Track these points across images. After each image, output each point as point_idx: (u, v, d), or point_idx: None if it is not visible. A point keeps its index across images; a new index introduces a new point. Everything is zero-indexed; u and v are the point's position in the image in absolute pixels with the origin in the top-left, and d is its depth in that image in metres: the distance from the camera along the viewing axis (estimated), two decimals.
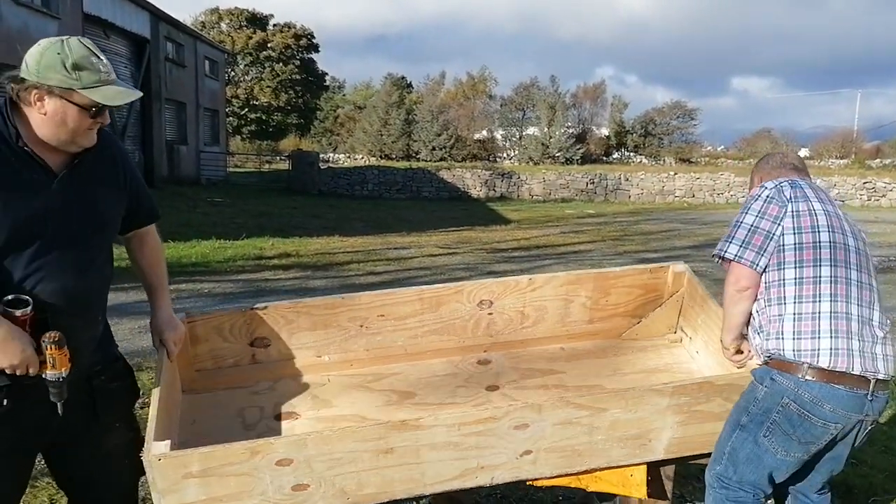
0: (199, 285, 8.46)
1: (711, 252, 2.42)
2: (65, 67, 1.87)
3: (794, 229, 2.33)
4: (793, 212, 2.35)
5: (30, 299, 1.94)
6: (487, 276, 9.52)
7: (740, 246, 2.36)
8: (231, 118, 45.11)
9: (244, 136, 49.70)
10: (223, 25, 49.50)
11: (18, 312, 1.92)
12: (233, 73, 47.29)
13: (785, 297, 2.32)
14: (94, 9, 19.05)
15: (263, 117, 49.43)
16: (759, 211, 2.37)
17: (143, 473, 2.52)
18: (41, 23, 16.40)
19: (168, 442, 2.06)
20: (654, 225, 17.24)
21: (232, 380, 2.75)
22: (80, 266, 2.07)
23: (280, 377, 2.80)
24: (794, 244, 2.32)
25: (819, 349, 2.26)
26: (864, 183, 25.83)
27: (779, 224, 2.34)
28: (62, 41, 1.93)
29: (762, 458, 2.36)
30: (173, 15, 25.57)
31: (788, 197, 2.37)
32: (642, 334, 3.16)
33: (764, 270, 2.37)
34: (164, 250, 2.47)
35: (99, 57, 1.94)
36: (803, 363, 2.27)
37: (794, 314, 2.30)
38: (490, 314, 2.94)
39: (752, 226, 2.36)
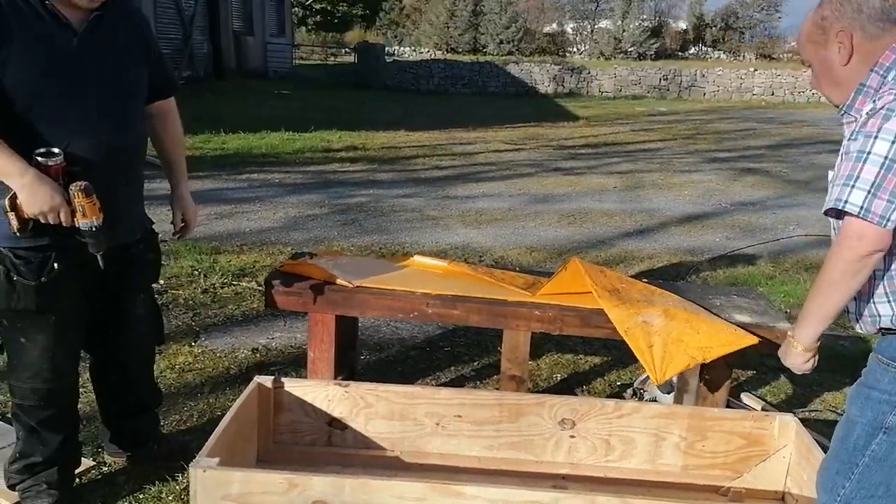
0: (269, 175, 8.66)
1: (822, 208, 1.65)
2: None
3: None
4: None
5: (60, 151, 2.05)
6: (553, 173, 9.50)
7: (868, 193, 1.49)
8: (296, 8, 44.50)
9: (309, 27, 49.13)
10: None
11: (50, 163, 2.03)
12: None
13: None
14: None
15: (328, 8, 48.63)
16: None
17: (161, 342, 2.74)
18: None
19: (218, 459, 2.13)
20: (730, 124, 16.59)
21: (305, 458, 2.69)
22: (114, 122, 2.20)
23: (350, 465, 2.70)
24: None
25: None
26: None
27: None
28: None
29: None
30: None
31: None
32: (744, 493, 2.71)
33: None
34: (182, 131, 2.57)
35: None
36: None
37: None
38: (572, 437, 2.71)
39: (885, 159, 1.49)
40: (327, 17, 48.89)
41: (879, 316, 1.67)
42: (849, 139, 1.61)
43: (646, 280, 3.31)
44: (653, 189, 8.66)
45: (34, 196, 2.01)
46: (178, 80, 21.21)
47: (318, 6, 48.39)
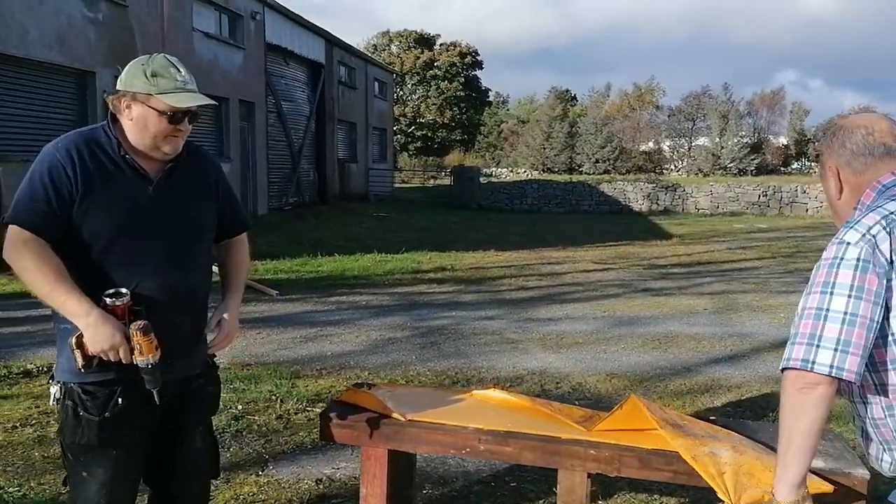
0: (357, 297, 8.91)
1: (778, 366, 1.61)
2: (145, 75, 2.16)
3: None
4: None
5: (127, 292, 2.17)
6: (642, 293, 9.32)
7: (835, 350, 1.48)
8: (398, 136, 47.01)
9: (411, 152, 51.59)
10: (393, 48, 51.76)
11: (118, 303, 2.15)
12: (401, 93, 49.25)
13: None
14: (275, 38, 20.65)
15: (429, 134, 51.09)
16: (853, 287, 1.47)
17: (217, 476, 2.76)
18: (229, 53, 18.01)
19: None
20: None
21: None
22: (180, 265, 2.31)
23: None
24: None
25: None
26: None
27: (880, 305, 1.49)
28: (149, 56, 2.22)
29: None
30: (346, 40, 27.17)
31: (890, 257, 1.49)
32: None
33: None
34: (248, 259, 2.66)
35: (178, 69, 2.21)
36: None
37: None
38: None
39: (846, 314, 1.47)
40: (427, 142, 51.27)
41: (882, 462, 1.63)
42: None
43: (713, 418, 3.14)
44: (746, 311, 8.33)
45: (97, 335, 2.14)
46: (286, 206, 22.30)
47: (419, 133, 50.90)
